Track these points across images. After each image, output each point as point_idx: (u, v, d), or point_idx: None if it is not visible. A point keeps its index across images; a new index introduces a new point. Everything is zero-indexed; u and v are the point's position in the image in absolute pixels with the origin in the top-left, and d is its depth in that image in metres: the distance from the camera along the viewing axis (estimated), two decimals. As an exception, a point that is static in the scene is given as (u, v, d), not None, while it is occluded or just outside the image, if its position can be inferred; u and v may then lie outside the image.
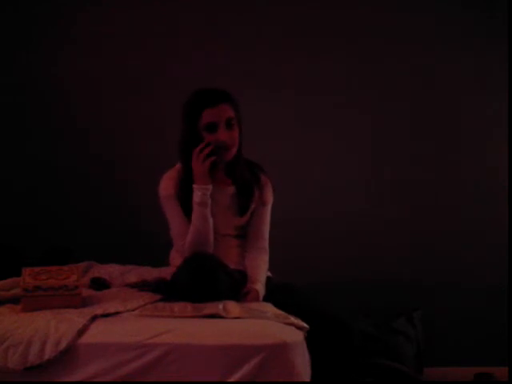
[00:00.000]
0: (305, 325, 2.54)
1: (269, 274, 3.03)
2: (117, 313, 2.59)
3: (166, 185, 2.91)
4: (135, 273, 3.26)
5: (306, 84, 3.82)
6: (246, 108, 3.76)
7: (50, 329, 2.41)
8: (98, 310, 2.57)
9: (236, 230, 2.99)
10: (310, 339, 2.52)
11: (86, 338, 2.40)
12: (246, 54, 3.80)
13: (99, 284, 3.07)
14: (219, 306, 2.56)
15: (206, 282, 2.65)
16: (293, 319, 2.55)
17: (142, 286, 2.96)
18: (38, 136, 3.84)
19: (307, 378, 2.44)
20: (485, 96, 3.82)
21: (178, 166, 2.96)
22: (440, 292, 3.83)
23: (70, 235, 3.77)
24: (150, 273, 3.22)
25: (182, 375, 2.35)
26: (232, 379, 2.35)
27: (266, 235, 3.02)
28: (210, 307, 2.57)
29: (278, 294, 2.83)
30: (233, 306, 2.59)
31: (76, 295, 2.68)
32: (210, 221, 2.82)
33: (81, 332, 2.40)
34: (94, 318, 2.51)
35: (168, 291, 2.79)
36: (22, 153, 3.84)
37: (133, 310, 2.62)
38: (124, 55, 3.82)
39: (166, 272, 3.08)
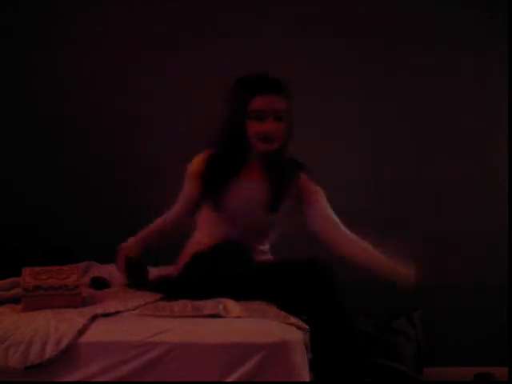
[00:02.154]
0: (305, 325, 2.53)
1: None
2: (117, 312, 2.59)
3: (192, 164, 2.92)
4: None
5: (306, 84, 3.82)
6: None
7: (50, 328, 2.41)
8: (99, 310, 2.57)
9: (263, 232, 2.95)
10: (312, 339, 2.53)
11: (86, 337, 2.40)
12: (246, 54, 3.80)
13: (99, 283, 3.08)
14: (219, 306, 2.56)
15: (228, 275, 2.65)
16: (293, 319, 2.54)
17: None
18: (38, 136, 3.84)
19: (307, 378, 2.44)
20: (485, 96, 3.83)
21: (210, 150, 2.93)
22: (440, 292, 3.83)
23: (70, 235, 3.77)
24: (150, 272, 3.22)
25: (183, 374, 2.36)
26: (232, 378, 2.35)
27: (342, 227, 2.93)
28: (210, 307, 2.57)
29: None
30: (233, 306, 2.59)
31: (76, 295, 2.67)
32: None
33: (81, 332, 2.40)
34: (95, 318, 2.51)
35: (169, 289, 2.79)
36: (22, 153, 3.84)
37: (133, 310, 2.62)
38: (124, 55, 3.83)
39: (166, 271, 3.09)
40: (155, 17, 3.81)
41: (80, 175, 3.85)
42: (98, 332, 2.42)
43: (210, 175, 2.83)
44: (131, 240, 3.05)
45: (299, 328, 2.51)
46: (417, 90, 3.83)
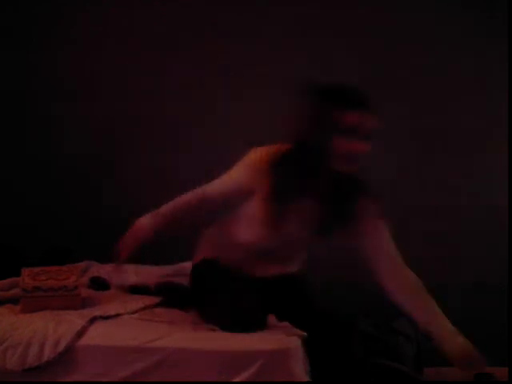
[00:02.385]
0: (303, 333, 2.52)
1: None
2: (117, 315, 2.59)
3: (257, 154, 2.61)
4: (134, 271, 3.26)
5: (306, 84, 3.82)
6: (246, 108, 3.79)
7: (48, 330, 2.41)
8: (98, 312, 2.57)
9: (303, 247, 2.84)
10: (311, 341, 2.52)
11: (84, 340, 2.40)
12: (246, 54, 3.80)
13: (98, 284, 3.08)
14: None
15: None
16: (294, 330, 2.53)
17: (143, 291, 2.97)
18: (38, 136, 3.84)
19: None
20: (485, 96, 3.82)
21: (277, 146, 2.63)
22: (440, 292, 3.82)
23: (70, 235, 3.77)
24: (149, 271, 3.22)
25: (181, 379, 2.35)
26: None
27: (398, 258, 2.69)
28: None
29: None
30: None
31: (76, 296, 2.68)
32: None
33: (80, 334, 2.40)
34: (94, 320, 2.51)
35: (170, 295, 2.79)
36: (22, 153, 3.84)
37: (132, 313, 2.62)
38: (124, 55, 3.82)
39: (167, 270, 3.10)
40: (155, 17, 3.80)
41: (80, 175, 3.84)
42: (97, 335, 2.43)
43: (277, 178, 2.54)
44: (150, 216, 2.79)
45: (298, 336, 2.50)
46: (417, 90, 3.82)
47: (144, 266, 3.36)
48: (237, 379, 2.33)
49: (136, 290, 2.99)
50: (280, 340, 2.41)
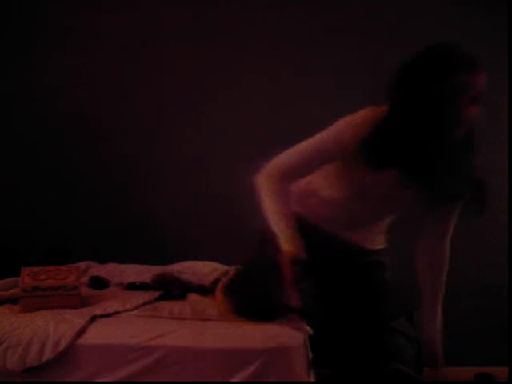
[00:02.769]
0: (309, 330, 2.51)
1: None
2: (116, 313, 2.58)
3: (363, 119, 2.45)
4: (133, 271, 3.26)
5: (306, 84, 3.82)
6: (246, 107, 3.79)
7: (48, 330, 2.40)
8: (97, 311, 2.57)
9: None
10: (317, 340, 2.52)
11: (84, 340, 2.40)
12: (246, 54, 3.79)
13: (98, 283, 3.08)
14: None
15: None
16: (301, 324, 2.52)
17: (141, 288, 2.97)
18: (38, 137, 3.83)
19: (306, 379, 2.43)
20: (485, 96, 3.81)
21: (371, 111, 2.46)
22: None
23: (70, 237, 3.75)
24: (148, 270, 3.22)
25: (181, 378, 2.35)
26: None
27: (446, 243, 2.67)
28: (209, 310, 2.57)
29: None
30: None
31: (75, 295, 2.67)
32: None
33: (80, 333, 2.40)
34: (93, 319, 2.50)
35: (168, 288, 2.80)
36: (22, 153, 3.84)
37: (132, 310, 2.61)
38: (123, 55, 3.82)
39: (165, 269, 3.09)
40: (155, 17, 3.80)
41: (80, 175, 3.84)
42: (97, 334, 2.42)
43: (377, 144, 2.34)
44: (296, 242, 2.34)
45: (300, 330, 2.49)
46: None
47: (143, 265, 3.37)
48: (237, 377, 2.32)
49: (134, 286, 2.99)
50: (281, 338, 2.40)
